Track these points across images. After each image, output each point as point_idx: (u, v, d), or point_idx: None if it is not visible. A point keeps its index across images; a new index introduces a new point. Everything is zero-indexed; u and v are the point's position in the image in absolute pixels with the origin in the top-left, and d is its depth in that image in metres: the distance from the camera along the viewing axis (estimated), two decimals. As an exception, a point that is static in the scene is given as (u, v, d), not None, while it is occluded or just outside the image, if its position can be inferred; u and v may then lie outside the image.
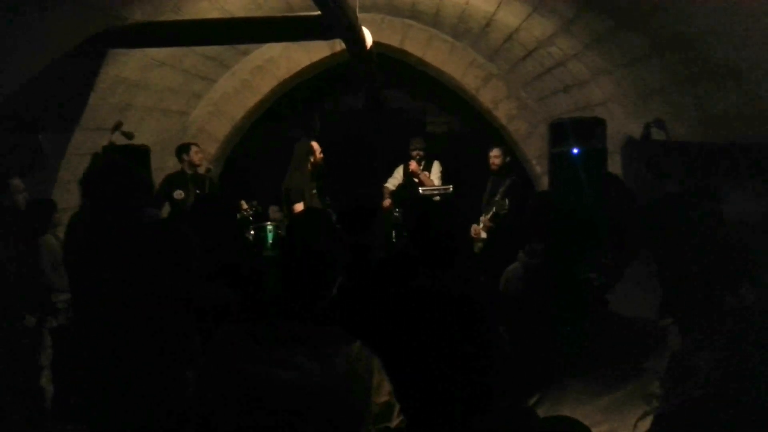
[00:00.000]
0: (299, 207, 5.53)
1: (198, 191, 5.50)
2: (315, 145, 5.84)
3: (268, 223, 5.73)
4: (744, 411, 1.24)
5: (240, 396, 1.56)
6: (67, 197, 4.70)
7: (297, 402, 1.53)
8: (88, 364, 2.33)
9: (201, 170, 5.70)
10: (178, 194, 5.38)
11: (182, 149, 5.61)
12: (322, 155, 5.86)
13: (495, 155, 5.64)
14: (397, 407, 1.63)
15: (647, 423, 1.46)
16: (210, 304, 2.36)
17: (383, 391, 1.61)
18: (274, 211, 6.33)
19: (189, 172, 5.57)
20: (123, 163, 2.77)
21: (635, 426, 1.48)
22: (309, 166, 5.77)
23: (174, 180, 5.56)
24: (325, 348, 1.58)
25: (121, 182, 2.44)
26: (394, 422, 1.62)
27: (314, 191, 5.82)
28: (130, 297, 2.25)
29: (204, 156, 5.85)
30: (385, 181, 6.71)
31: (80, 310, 3.11)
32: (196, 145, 5.71)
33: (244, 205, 5.74)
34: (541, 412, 1.54)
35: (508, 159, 5.69)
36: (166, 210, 5.63)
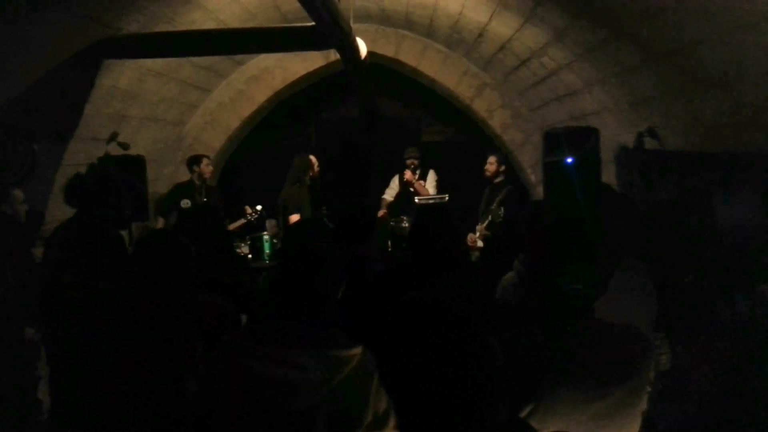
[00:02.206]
0: (295, 218, 5.54)
1: (206, 200, 5.61)
2: (313, 158, 5.89)
3: (265, 232, 5.75)
4: (743, 426, 1.25)
5: (241, 394, 1.57)
6: (63, 208, 4.68)
7: (298, 401, 1.53)
8: (85, 373, 2.32)
9: (211, 183, 5.82)
10: (185, 203, 5.50)
11: (194, 161, 5.80)
12: (318, 168, 5.90)
13: (489, 162, 5.67)
14: (394, 419, 1.62)
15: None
16: (206, 314, 2.35)
17: (382, 398, 1.61)
18: (271, 225, 6.33)
19: (198, 182, 5.74)
20: (108, 172, 2.79)
21: None
22: (307, 179, 5.79)
23: (183, 189, 5.69)
24: (328, 349, 1.58)
25: (107, 192, 2.45)
26: None
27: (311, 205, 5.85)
28: (124, 304, 2.25)
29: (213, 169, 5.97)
30: (382, 192, 6.73)
31: (48, 318, 3.14)
32: (207, 157, 5.90)
33: (248, 210, 5.80)
34: (534, 423, 1.54)
35: (503, 167, 5.70)
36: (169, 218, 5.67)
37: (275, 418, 1.53)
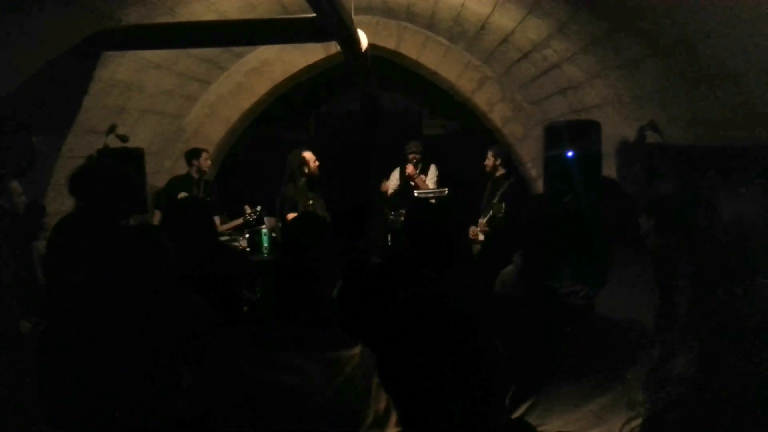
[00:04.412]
0: (292, 216, 5.51)
1: (202, 195, 5.58)
2: (308, 155, 5.74)
3: (263, 226, 5.72)
4: (726, 404, 1.24)
5: (240, 399, 1.55)
6: (61, 200, 4.67)
7: (297, 406, 1.51)
8: (74, 368, 2.30)
9: (207, 177, 5.78)
10: (183, 197, 5.43)
11: (193, 154, 5.74)
12: (317, 164, 5.75)
13: (488, 157, 5.66)
14: (395, 416, 1.60)
15: (634, 429, 1.45)
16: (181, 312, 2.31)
17: (382, 397, 1.60)
18: (270, 221, 6.29)
19: (195, 176, 5.70)
20: (110, 164, 2.76)
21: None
22: (303, 177, 5.70)
23: (180, 182, 5.65)
24: (326, 351, 1.56)
25: (107, 184, 2.43)
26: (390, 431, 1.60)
27: (310, 202, 5.72)
28: (116, 298, 2.23)
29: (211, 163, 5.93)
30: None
31: (55, 311, 3.12)
32: (206, 151, 5.82)
33: (248, 209, 5.76)
34: (533, 419, 1.53)
35: (499, 161, 5.67)
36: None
37: (276, 424, 1.51)
